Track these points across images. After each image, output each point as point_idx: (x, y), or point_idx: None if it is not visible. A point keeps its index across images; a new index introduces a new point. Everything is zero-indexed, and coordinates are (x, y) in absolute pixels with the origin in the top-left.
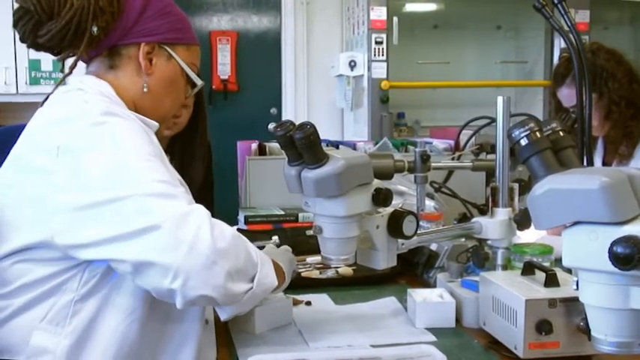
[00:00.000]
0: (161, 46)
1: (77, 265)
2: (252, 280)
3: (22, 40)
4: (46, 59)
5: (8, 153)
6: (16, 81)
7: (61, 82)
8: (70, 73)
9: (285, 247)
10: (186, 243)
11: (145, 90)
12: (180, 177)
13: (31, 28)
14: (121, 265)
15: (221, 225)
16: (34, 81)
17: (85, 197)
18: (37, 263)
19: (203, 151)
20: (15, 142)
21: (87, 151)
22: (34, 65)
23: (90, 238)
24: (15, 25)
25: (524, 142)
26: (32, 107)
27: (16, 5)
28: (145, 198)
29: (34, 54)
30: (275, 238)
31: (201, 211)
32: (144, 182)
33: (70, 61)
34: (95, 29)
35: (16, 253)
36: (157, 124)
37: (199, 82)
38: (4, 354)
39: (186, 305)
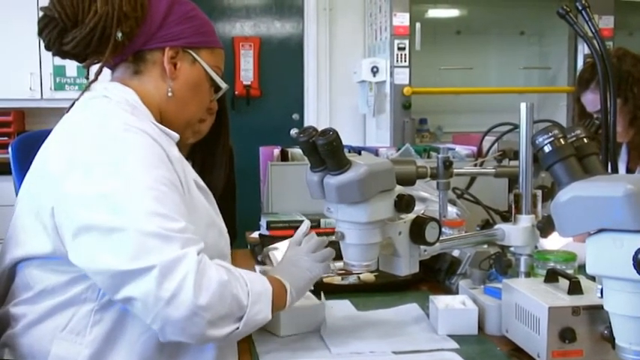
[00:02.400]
0: (185, 50)
1: None
2: (239, 320)
3: (47, 48)
4: (71, 65)
5: (34, 158)
6: (41, 87)
7: (87, 88)
8: (96, 79)
9: (322, 255)
10: (169, 292)
11: (170, 95)
12: (202, 182)
13: (55, 35)
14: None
15: (209, 272)
16: (58, 86)
17: (86, 216)
18: (53, 271)
19: (225, 157)
20: (39, 148)
21: (97, 168)
22: (59, 71)
23: (81, 261)
24: (40, 33)
25: (548, 148)
26: (57, 113)
27: (40, 13)
28: (140, 237)
29: (59, 60)
30: (306, 224)
31: (191, 257)
32: (142, 215)
33: (95, 68)
34: (120, 35)
35: (31, 259)
36: (177, 135)
37: (224, 86)
38: None
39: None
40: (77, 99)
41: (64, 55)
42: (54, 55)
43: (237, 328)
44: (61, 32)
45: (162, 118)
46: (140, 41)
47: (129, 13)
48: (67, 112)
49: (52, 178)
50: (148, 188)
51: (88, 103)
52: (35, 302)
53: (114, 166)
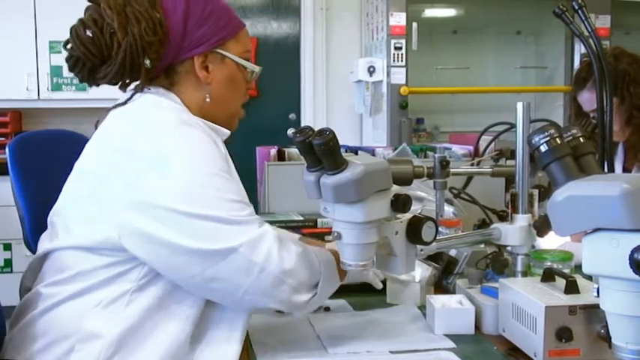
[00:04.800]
0: (213, 51)
1: (137, 257)
2: (315, 287)
3: (82, 81)
4: None
5: (31, 159)
6: (38, 87)
7: (123, 104)
8: (131, 98)
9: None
10: (258, 265)
11: (208, 100)
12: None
13: (87, 73)
14: (188, 276)
15: (288, 244)
16: (55, 87)
17: (163, 202)
18: (97, 253)
19: None
20: (37, 149)
21: (163, 161)
22: (56, 71)
23: (163, 239)
24: (71, 70)
25: (544, 148)
26: (54, 113)
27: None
28: (222, 222)
29: (56, 60)
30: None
31: (271, 233)
32: (219, 203)
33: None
34: (148, 62)
35: (81, 248)
36: (227, 131)
37: (257, 69)
38: (49, 336)
39: (251, 311)
40: (115, 106)
41: (99, 85)
42: (90, 85)
43: (315, 294)
44: (91, 70)
45: (205, 119)
46: (169, 58)
47: (151, 40)
48: (97, 125)
49: (109, 171)
50: (218, 177)
51: (139, 102)
52: (68, 282)
53: (178, 160)
